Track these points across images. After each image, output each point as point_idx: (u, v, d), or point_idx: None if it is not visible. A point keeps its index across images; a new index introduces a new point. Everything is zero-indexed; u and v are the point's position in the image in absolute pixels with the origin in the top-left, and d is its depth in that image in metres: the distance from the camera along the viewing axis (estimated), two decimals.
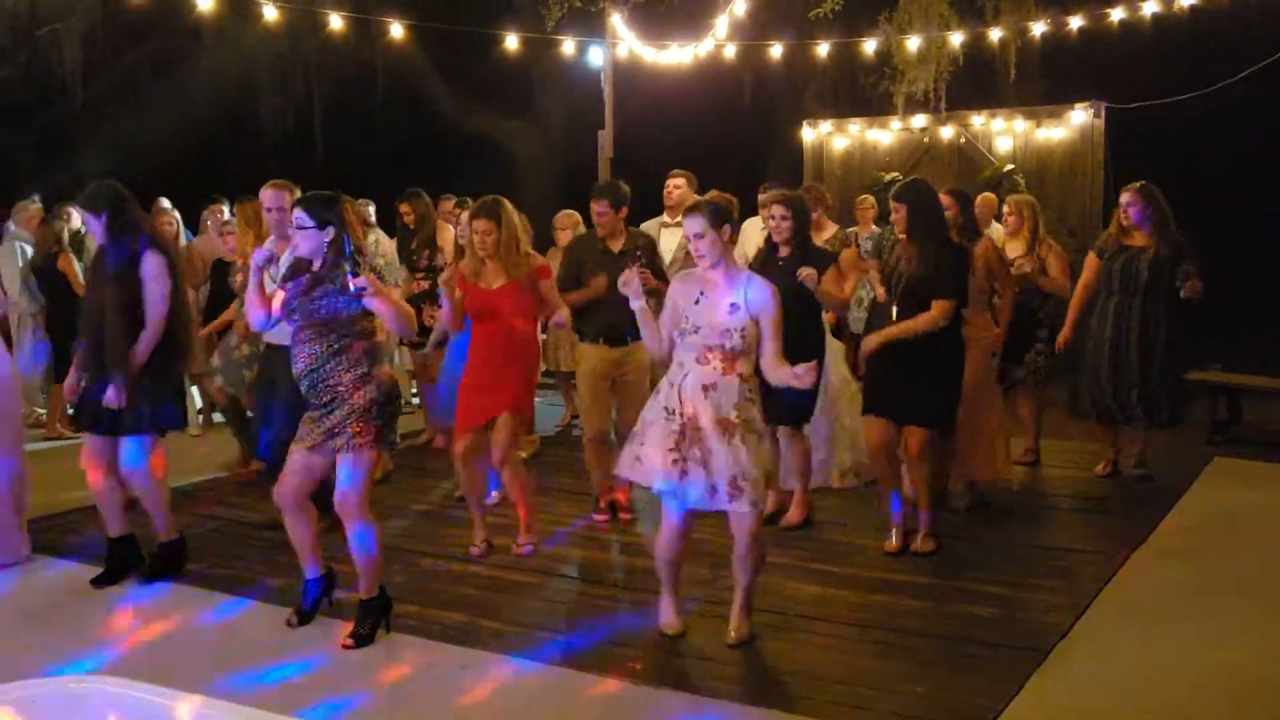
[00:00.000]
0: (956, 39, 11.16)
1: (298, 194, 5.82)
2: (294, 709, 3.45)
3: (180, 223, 8.55)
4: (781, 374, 4.17)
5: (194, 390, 8.34)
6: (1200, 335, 7.10)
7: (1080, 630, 4.58)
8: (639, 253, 5.44)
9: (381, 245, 7.94)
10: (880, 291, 5.51)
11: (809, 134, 12.37)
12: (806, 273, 5.42)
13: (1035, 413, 7.27)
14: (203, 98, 14.64)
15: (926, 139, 11.77)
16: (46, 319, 8.44)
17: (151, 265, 5.00)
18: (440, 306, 5.70)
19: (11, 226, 9.00)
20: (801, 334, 5.13)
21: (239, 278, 6.87)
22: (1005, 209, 6.95)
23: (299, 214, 4.39)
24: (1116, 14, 10.32)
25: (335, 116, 16.36)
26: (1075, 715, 3.92)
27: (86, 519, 5.91)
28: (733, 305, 4.18)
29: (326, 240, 4.36)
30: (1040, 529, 6.07)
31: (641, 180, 6.81)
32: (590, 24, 11.38)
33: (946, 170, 11.37)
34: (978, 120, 11.46)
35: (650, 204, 7.35)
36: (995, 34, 11.14)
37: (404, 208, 7.85)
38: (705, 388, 4.17)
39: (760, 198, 6.81)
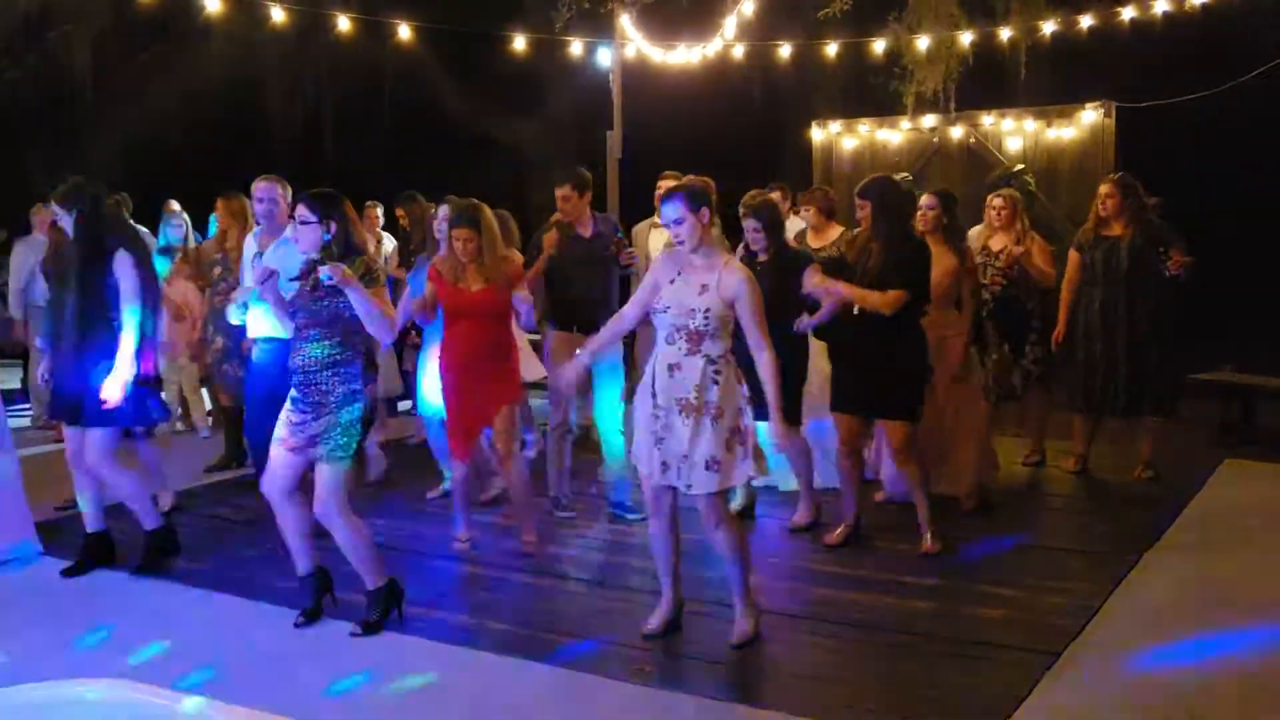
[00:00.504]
0: (966, 38, 11.11)
1: (289, 188, 5.86)
2: (294, 709, 3.44)
3: (189, 224, 8.57)
4: (763, 360, 4.21)
5: (204, 392, 8.37)
6: (1193, 320, 7.05)
7: (1091, 632, 4.55)
8: (617, 232, 5.78)
9: (384, 249, 7.95)
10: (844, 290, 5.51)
11: (818, 134, 12.33)
12: (817, 280, 5.44)
13: (1040, 413, 7.24)
14: (212, 99, 14.70)
15: (936, 139, 11.71)
16: None
17: (121, 263, 5.04)
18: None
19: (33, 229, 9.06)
20: (784, 336, 5.21)
21: (217, 270, 6.93)
22: (997, 202, 6.90)
23: (302, 208, 4.38)
24: (1127, 13, 10.25)
25: (344, 118, 16.38)
26: (1086, 718, 3.89)
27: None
28: (703, 286, 4.20)
29: (329, 237, 4.36)
30: (1049, 530, 6.03)
31: (650, 181, 6.78)
32: (598, 25, 11.38)
33: (956, 170, 11.31)
34: (988, 120, 11.40)
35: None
36: (1005, 33, 11.08)
37: (399, 211, 7.86)
38: (670, 367, 4.22)
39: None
